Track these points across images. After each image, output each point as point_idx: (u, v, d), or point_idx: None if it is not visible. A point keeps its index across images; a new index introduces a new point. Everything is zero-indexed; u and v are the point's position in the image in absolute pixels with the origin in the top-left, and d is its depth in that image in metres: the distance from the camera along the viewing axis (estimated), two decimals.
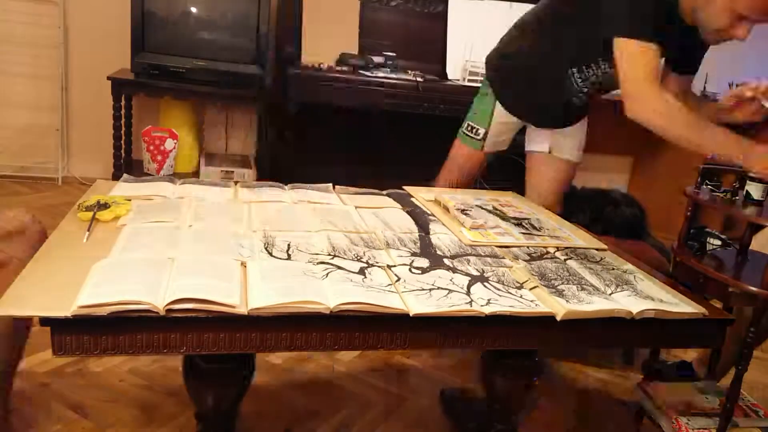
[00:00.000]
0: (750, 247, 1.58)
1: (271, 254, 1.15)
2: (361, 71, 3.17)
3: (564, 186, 2.08)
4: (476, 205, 1.66)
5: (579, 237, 1.52)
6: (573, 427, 1.81)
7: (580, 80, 1.80)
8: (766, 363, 2.24)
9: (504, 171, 3.54)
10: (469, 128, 2.03)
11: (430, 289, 1.08)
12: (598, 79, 1.79)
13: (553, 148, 2.02)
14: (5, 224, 1.18)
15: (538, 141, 2.04)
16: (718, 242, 1.59)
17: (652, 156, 4.21)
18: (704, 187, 1.56)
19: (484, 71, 2.03)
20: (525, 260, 1.31)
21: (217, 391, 1.19)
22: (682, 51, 1.70)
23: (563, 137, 2.02)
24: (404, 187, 1.78)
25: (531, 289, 1.15)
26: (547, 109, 1.96)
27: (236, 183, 1.62)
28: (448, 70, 3.38)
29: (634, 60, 1.53)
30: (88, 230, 1.16)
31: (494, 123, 1.98)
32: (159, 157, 3.17)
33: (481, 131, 1.99)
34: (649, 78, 1.52)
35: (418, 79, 3.14)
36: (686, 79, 1.83)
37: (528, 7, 1.94)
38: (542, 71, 1.87)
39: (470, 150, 2.04)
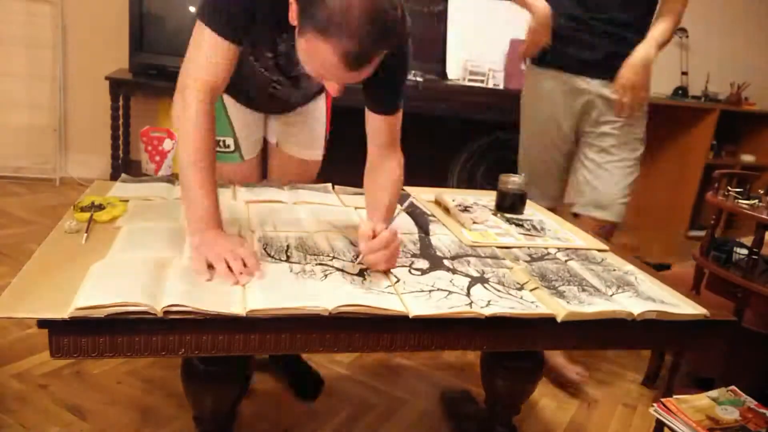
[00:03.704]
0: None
1: (269, 255, 1.14)
2: None
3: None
4: (476, 206, 1.65)
5: (580, 238, 1.52)
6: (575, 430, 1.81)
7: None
8: None
9: (503, 171, 3.51)
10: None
11: (430, 291, 1.07)
12: None
13: (280, 142, 1.71)
14: None
15: (270, 131, 1.71)
16: (745, 251, 1.53)
17: (653, 156, 4.20)
18: (729, 193, 1.51)
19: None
20: (526, 261, 1.30)
21: (215, 393, 1.19)
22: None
23: (294, 128, 1.69)
24: (404, 188, 1.77)
25: (531, 290, 1.15)
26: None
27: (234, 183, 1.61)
28: (448, 70, 3.37)
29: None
30: (86, 232, 1.15)
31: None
32: (157, 158, 3.17)
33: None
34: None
35: (418, 79, 3.13)
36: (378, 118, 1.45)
37: None
38: None
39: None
